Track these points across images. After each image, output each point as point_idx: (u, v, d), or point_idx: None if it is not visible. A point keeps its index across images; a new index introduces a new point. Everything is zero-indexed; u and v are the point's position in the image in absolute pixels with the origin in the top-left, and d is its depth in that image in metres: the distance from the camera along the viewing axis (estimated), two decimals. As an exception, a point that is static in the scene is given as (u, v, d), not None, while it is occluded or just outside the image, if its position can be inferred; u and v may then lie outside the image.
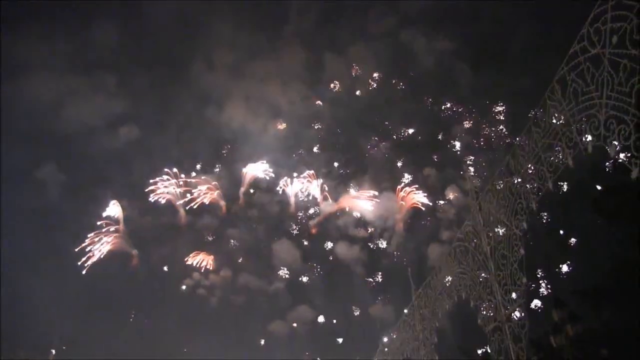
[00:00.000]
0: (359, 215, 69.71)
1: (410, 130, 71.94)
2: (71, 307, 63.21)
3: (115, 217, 68.74)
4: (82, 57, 72.26)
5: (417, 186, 68.01)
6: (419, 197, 67.30)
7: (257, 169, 72.17)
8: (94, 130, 70.38)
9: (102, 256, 66.99)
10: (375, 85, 74.53)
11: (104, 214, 68.08)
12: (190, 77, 75.69)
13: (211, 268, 68.12)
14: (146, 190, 69.30)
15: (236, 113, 73.22)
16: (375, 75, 74.44)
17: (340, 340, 63.09)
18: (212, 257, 69.45)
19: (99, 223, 67.40)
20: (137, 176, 71.20)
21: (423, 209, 66.75)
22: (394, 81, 73.12)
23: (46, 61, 68.09)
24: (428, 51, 70.32)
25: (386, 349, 24.71)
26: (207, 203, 70.84)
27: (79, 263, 65.56)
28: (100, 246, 67.10)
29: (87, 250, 66.35)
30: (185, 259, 67.98)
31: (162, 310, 65.52)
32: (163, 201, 69.83)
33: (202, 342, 62.03)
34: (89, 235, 66.55)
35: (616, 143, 7.38)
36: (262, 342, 65.25)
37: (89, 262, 66.22)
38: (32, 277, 57.88)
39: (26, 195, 62.85)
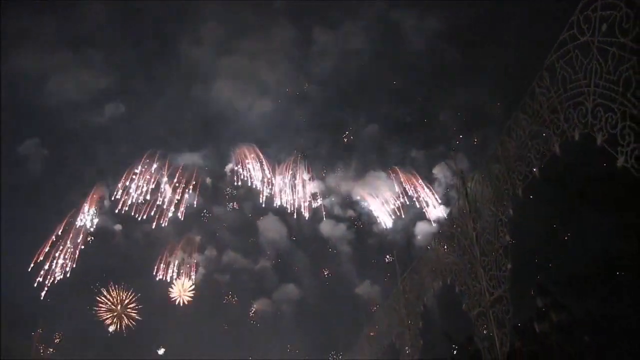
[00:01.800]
0: (349, 195, 69.63)
1: (400, 110, 71.77)
2: (52, 287, 62.91)
3: (87, 222, 66.36)
4: (68, 31, 71.14)
5: (412, 169, 67.95)
6: (413, 180, 67.27)
7: (243, 149, 71.87)
8: (79, 106, 69.47)
9: (66, 273, 63.85)
10: (364, 63, 74.07)
11: (78, 224, 65.70)
12: (177, 53, 74.96)
13: (193, 280, 66.71)
14: (131, 174, 68.49)
15: (223, 90, 72.68)
16: (365, 53, 73.96)
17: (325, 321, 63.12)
18: (197, 238, 69.17)
19: (60, 233, 64.97)
20: (122, 153, 70.54)
21: (415, 193, 66.76)
22: (383, 60, 72.74)
23: (31, 35, 67.10)
24: (418, 30, 69.94)
25: (372, 333, 24.92)
26: (190, 189, 70.03)
27: (35, 284, 62.48)
28: (62, 260, 64.07)
29: (45, 266, 63.25)
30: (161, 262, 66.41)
31: (144, 291, 65.15)
32: (151, 184, 69.09)
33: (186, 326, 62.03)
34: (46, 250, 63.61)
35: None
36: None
37: (48, 281, 63.00)
38: (12, 256, 57.05)
39: (8, 170, 61.53)
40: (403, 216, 66.63)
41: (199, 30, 73.42)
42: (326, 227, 69.62)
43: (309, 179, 71.22)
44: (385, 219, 67.43)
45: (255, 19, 74.07)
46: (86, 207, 66.55)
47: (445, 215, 14.26)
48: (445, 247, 13.72)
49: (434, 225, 60.24)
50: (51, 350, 60.19)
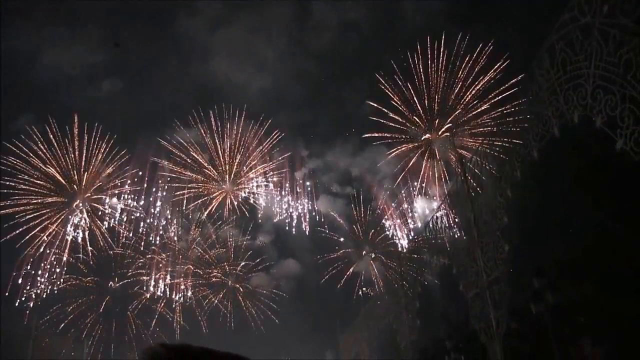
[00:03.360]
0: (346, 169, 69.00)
1: (398, 87, 71.11)
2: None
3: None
4: (63, 5, 70.05)
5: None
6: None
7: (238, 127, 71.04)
8: (73, 82, 68.63)
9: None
10: (364, 38, 73.14)
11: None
12: (173, 28, 73.89)
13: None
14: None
15: (220, 67, 71.90)
16: (365, 27, 72.87)
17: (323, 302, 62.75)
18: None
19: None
20: (120, 130, 69.66)
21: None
22: (382, 35, 71.61)
23: (24, 8, 66.17)
24: (418, 7, 68.99)
25: (370, 313, 24.97)
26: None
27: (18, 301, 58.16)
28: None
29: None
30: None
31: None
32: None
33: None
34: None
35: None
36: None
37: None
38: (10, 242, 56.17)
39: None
40: (412, 234, 65.73)
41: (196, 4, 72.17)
42: (323, 203, 69.24)
43: (307, 156, 70.67)
44: (401, 240, 66.53)
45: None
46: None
47: (444, 195, 14.17)
48: (444, 227, 13.73)
49: (433, 203, 59.86)
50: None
